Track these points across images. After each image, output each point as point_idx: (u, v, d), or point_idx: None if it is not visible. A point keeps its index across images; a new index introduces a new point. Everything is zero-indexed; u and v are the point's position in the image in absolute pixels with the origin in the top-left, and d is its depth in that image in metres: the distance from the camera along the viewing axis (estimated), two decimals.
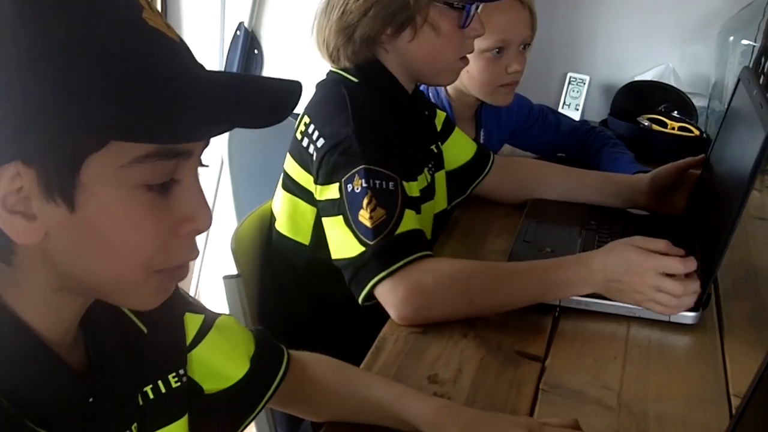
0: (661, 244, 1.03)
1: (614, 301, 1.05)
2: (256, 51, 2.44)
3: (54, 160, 0.50)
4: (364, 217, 1.03)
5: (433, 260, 1.06)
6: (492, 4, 1.50)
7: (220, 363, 0.80)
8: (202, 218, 0.57)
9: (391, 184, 1.06)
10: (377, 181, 1.05)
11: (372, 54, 1.18)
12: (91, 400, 0.59)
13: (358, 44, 1.16)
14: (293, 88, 0.56)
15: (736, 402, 0.91)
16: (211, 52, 2.47)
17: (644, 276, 1.01)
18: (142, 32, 0.52)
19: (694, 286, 1.01)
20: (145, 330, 0.69)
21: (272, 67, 2.45)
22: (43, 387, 0.57)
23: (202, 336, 0.78)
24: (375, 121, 1.12)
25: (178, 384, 0.72)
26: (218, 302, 1.27)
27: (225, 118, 0.54)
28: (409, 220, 1.06)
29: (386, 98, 1.18)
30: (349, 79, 1.18)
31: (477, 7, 1.17)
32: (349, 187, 1.06)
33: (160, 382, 0.70)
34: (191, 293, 2.56)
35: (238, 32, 2.42)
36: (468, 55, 1.23)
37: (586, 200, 1.44)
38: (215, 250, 2.54)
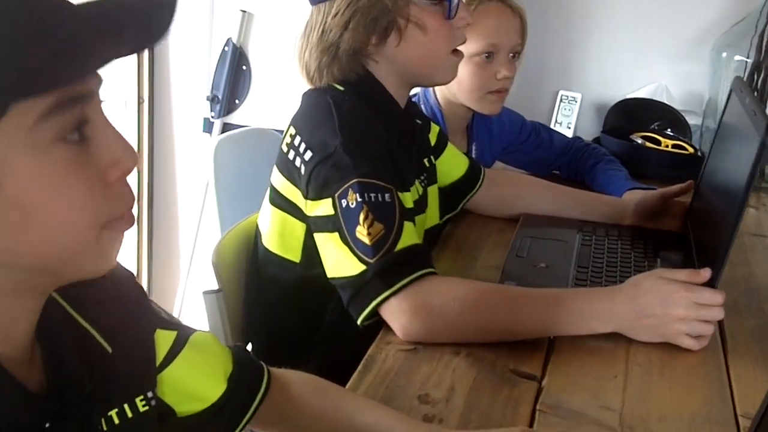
0: (684, 273, 1.00)
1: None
2: (244, 67, 2.40)
3: None
4: (361, 233, 0.98)
5: (439, 280, 1.00)
6: (481, 9, 1.48)
7: (194, 383, 0.74)
8: (126, 158, 0.53)
9: (386, 195, 1.01)
10: (372, 194, 1.00)
11: (360, 67, 1.14)
12: (48, 425, 0.54)
13: (344, 60, 1.12)
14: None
15: (744, 423, 0.86)
16: (198, 67, 2.43)
17: (686, 308, 0.97)
18: None
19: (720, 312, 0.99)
20: (109, 349, 0.63)
21: (260, 84, 2.41)
22: None
23: (174, 354, 0.73)
24: (363, 129, 1.07)
25: (146, 408, 0.66)
26: (202, 319, 1.22)
27: (112, 39, 0.49)
28: (409, 234, 1.01)
29: (373, 106, 1.13)
30: (335, 88, 1.13)
31: None
32: (344, 202, 1.00)
33: (126, 406, 0.64)
34: (175, 310, 2.52)
35: (226, 48, 2.39)
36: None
37: (573, 217, 1.43)
38: (201, 267, 2.49)
